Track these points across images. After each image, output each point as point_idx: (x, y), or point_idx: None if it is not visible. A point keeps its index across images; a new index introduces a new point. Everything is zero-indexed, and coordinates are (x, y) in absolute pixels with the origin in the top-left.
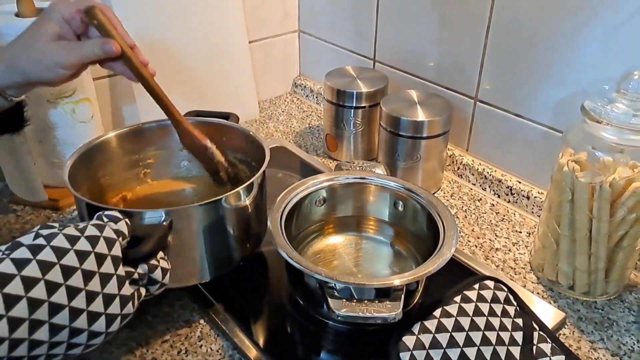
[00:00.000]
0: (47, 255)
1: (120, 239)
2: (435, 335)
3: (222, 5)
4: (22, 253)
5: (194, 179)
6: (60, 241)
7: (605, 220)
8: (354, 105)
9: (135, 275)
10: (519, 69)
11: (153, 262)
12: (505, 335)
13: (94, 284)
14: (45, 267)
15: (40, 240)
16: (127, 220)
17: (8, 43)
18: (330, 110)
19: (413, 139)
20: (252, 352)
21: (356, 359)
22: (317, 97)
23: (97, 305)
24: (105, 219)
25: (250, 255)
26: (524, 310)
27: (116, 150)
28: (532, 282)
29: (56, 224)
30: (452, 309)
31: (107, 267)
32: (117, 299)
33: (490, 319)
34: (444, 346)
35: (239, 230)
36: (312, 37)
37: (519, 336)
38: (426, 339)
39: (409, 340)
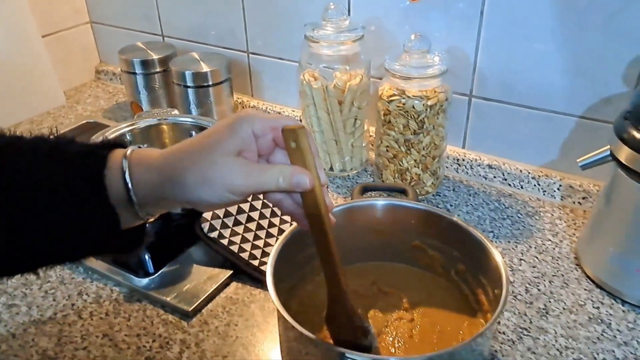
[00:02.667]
0: None
1: None
2: (227, 208)
3: (4, 4)
4: None
5: None
6: None
7: (337, 112)
8: (149, 71)
9: None
10: (275, 21)
11: None
12: None
13: None
14: None
15: None
16: None
17: (174, 147)
18: (130, 80)
19: (201, 87)
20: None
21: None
22: (120, 78)
23: None
24: None
25: None
26: None
27: (292, 251)
28: None
29: None
30: None
31: None
32: None
33: None
34: (234, 213)
35: None
36: (105, 25)
37: None
38: (219, 211)
39: (207, 215)
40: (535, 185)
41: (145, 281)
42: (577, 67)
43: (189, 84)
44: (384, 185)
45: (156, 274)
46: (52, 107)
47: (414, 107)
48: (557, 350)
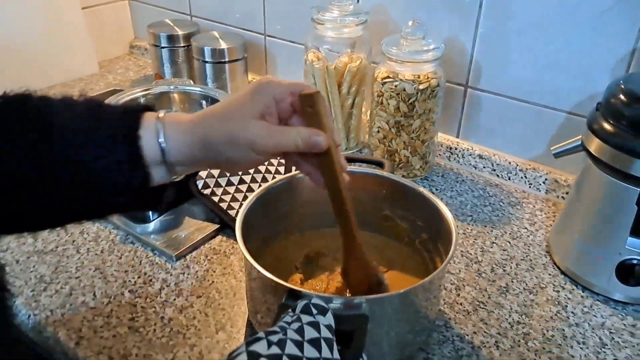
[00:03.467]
0: None
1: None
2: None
3: None
4: None
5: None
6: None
7: (335, 92)
8: (174, 46)
9: None
10: (291, 7)
11: None
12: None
13: None
14: None
15: (275, 349)
16: (331, 310)
17: (202, 112)
18: (156, 53)
19: (218, 63)
20: None
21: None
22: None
23: None
24: (314, 311)
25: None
26: None
27: (269, 205)
28: None
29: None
30: None
31: None
32: None
33: None
34: (228, 175)
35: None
36: (141, 3)
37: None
38: (214, 171)
39: (202, 173)
40: (522, 177)
41: (141, 227)
42: (566, 63)
43: (207, 59)
44: (362, 157)
45: (151, 222)
46: (86, 75)
47: (405, 90)
48: (509, 323)
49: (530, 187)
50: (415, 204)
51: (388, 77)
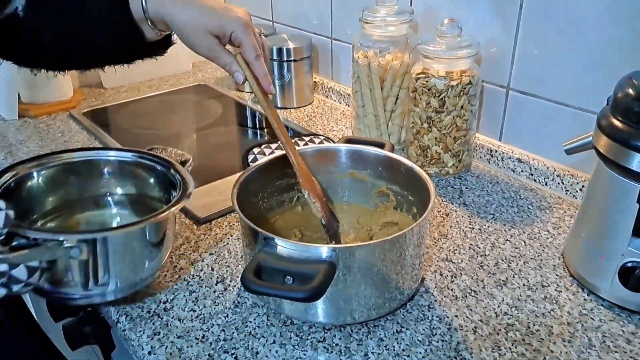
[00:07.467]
0: None
1: None
2: (274, 150)
3: None
4: None
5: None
6: None
7: (378, 88)
8: None
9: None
10: (355, 13)
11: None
12: None
13: None
14: None
15: None
16: (8, 212)
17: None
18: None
19: (283, 62)
20: None
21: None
22: None
23: None
24: None
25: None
26: None
27: (273, 174)
28: None
29: None
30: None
31: None
32: None
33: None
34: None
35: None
36: None
37: None
38: (266, 149)
39: (254, 149)
40: (559, 183)
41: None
42: (603, 64)
43: (274, 58)
44: (366, 139)
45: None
46: (179, 72)
47: (435, 86)
48: (495, 313)
49: (566, 193)
50: (406, 179)
51: (422, 73)
